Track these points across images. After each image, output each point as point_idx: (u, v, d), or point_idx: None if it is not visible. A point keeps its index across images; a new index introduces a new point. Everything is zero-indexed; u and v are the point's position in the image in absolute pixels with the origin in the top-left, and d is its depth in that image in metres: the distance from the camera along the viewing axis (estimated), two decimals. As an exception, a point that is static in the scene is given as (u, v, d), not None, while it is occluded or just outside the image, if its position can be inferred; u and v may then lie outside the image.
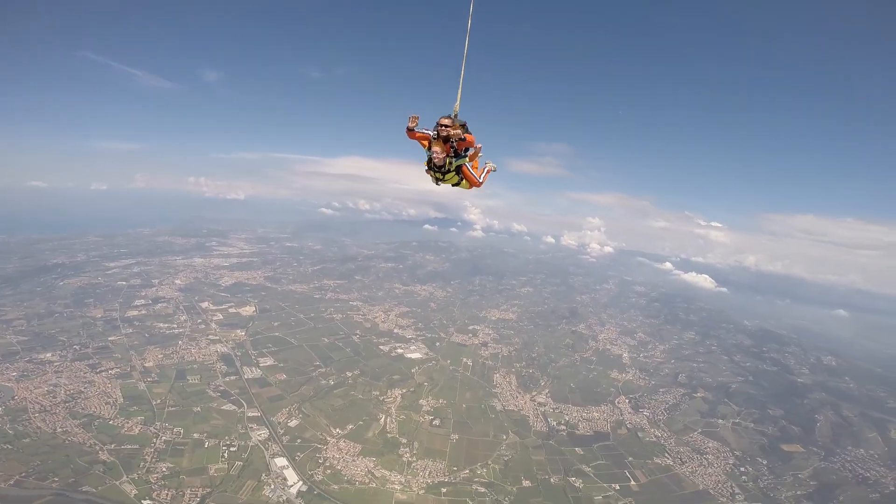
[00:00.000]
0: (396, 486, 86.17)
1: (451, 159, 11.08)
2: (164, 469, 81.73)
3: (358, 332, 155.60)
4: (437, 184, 12.05)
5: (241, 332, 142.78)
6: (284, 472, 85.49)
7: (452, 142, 10.90)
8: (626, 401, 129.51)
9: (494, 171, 13.10)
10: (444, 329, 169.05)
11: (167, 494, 76.18)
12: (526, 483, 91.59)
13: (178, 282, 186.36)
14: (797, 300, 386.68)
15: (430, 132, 11.07)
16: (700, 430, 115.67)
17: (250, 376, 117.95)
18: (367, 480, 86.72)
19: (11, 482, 73.67)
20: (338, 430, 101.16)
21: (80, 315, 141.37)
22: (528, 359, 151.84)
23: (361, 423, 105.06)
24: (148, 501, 74.22)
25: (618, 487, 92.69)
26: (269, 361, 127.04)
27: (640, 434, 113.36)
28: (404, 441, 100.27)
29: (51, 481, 74.96)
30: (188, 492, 77.26)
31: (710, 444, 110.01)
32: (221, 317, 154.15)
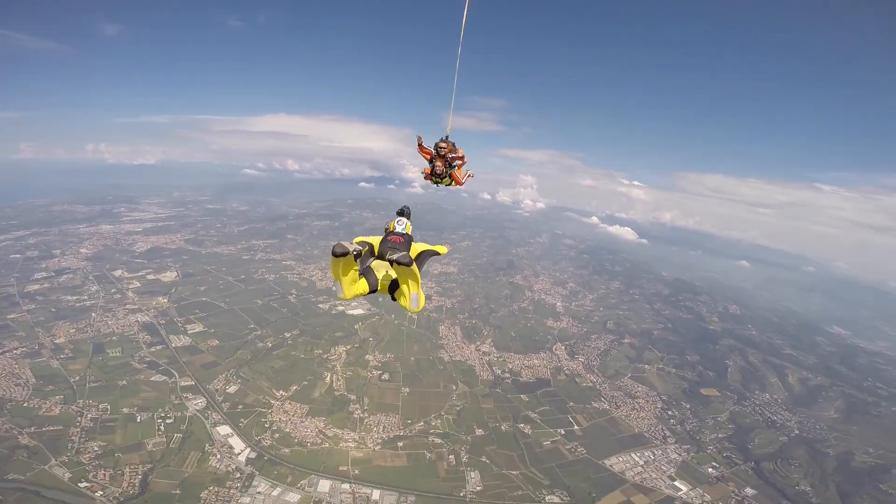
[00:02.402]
0: (351, 444, 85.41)
1: (447, 169, 15.18)
2: (95, 448, 75.15)
3: (294, 291, 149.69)
4: (436, 185, 15.75)
5: (163, 299, 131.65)
6: (229, 440, 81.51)
7: (448, 157, 15.05)
8: (563, 347, 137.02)
9: (472, 176, 16.24)
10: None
11: (104, 474, 70.55)
12: (479, 431, 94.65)
13: (83, 251, 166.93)
14: (707, 252, 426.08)
15: (432, 150, 15.05)
16: (630, 375, 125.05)
17: (179, 344, 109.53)
18: (319, 441, 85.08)
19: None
20: (281, 392, 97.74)
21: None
22: (471, 310, 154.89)
23: (306, 382, 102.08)
24: (85, 484, 68.54)
25: (563, 432, 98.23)
26: (198, 328, 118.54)
27: (577, 379, 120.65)
28: (353, 398, 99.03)
29: (-30, 472, 66.70)
30: (127, 469, 71.99)
31: (640, 389, 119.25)
32: (139, 284, 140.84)
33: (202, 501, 69.37)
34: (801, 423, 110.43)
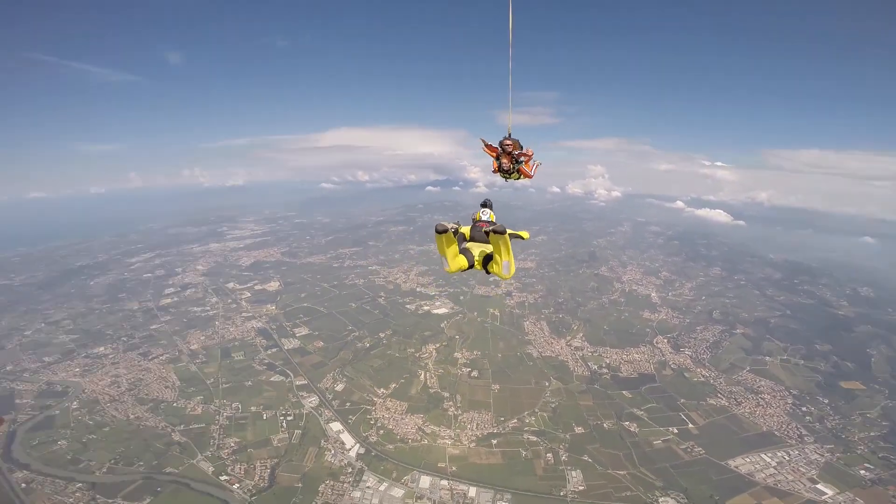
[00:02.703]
0: (447, 441, 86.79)
1: (514, 165, 15.68)
2: (232, 444, 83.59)
3: (382, 294, 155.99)
4: (506, 180, 16.50)
5: (271, 307, 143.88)
6: (341, 436, 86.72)
7: (514, 154, 15.46)
8: (665, 340, 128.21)
9: (541, 165, 16.48)
10: (466, 283, 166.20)
11: (240, 468, 78.26)
12: (578, 429, 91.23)
13: (199, 267, 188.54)
14: (819, 230, 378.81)
15: (497, 147, 15.61)
16: (748, 369, 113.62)
17: (290, 347, 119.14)
18: (418, 438, 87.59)
19: (104, 469, 77.30)
20: (382, 389, 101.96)
21: (118, 309, 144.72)
22: (556, 304, 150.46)
23: (403, 380, 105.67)
24: (225, 477, 76.48)
25: (676, 431, 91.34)
26: (304, 331, 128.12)
27: (686, 374, 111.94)
28: (447, 395, 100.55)
29: (137, 466, 78.23)
30: (258, 464, 79.20)
31: (763, 383, 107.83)
32: (249, 294, 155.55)
33: (320, 494, 74.03)
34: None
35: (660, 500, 74.68)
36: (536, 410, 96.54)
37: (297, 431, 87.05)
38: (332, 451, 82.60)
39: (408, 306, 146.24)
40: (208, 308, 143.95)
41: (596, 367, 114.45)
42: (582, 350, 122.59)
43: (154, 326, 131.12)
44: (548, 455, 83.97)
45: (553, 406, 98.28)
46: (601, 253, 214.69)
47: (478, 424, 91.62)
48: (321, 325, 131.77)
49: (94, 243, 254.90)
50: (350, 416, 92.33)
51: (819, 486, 77.21)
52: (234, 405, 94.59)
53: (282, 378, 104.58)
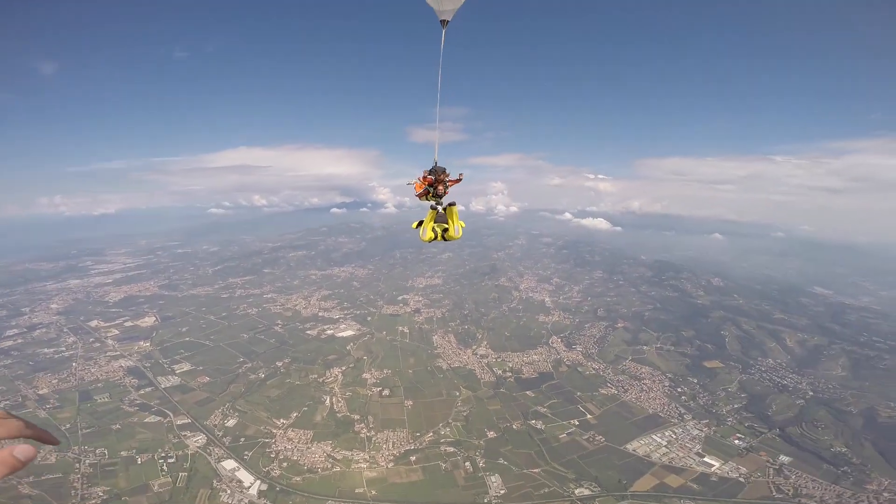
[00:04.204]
0: (363, 465, 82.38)
1: (444, 189, 17.10)
2: (100, 493, 71.03)
3: (279, 322, 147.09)
4: (432, 202, 17.32)
5: (144, 344, 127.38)
6: (236, 474, 77.83)
7: (445, 181, 17.00)
8: (559, 340, 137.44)
9: (460, 181, 17.90)
10: (373, 304, 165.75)
11: (114, 519, 66.45)
12: (491, 434, 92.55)
13: (54, 306, 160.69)
14: (680, 232, 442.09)
15: (431, 176, 17.05)
16: (630, 358, 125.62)
17: (168, 385, 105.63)
18: (329, 465, 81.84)
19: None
20: (282, 420, 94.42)
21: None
22: (462, 316, 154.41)
23: (306, 408, 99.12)
24: None
25: (577, 423, 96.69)
26: (185, 367, 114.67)
27: (579, 369, 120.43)
28: (357, 417, 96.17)
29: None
30: (137, 513, 67.99)
31: (644, 370, 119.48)
32: (117, 332, 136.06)
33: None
34: (813, 384, 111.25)
35: (576, 491, 77.14)
36: (450, 421, 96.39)
37: (183, 474, 76.31)
38: (229, 492, 73.66)
39: (309, 332, 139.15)
40: (63, 349, 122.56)
41: (500, 371, 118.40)
42: (487, 357, 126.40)
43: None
44: (466, 464, 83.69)
45: (465, 415, 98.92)
46: (501, 265, 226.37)
47: (394, 443, 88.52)
48: (206, 359, 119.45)
49: None
50: (246, 452, 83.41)
51: (706, 458, 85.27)
52: (98, 451, 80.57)
53: (159, 418, 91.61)
